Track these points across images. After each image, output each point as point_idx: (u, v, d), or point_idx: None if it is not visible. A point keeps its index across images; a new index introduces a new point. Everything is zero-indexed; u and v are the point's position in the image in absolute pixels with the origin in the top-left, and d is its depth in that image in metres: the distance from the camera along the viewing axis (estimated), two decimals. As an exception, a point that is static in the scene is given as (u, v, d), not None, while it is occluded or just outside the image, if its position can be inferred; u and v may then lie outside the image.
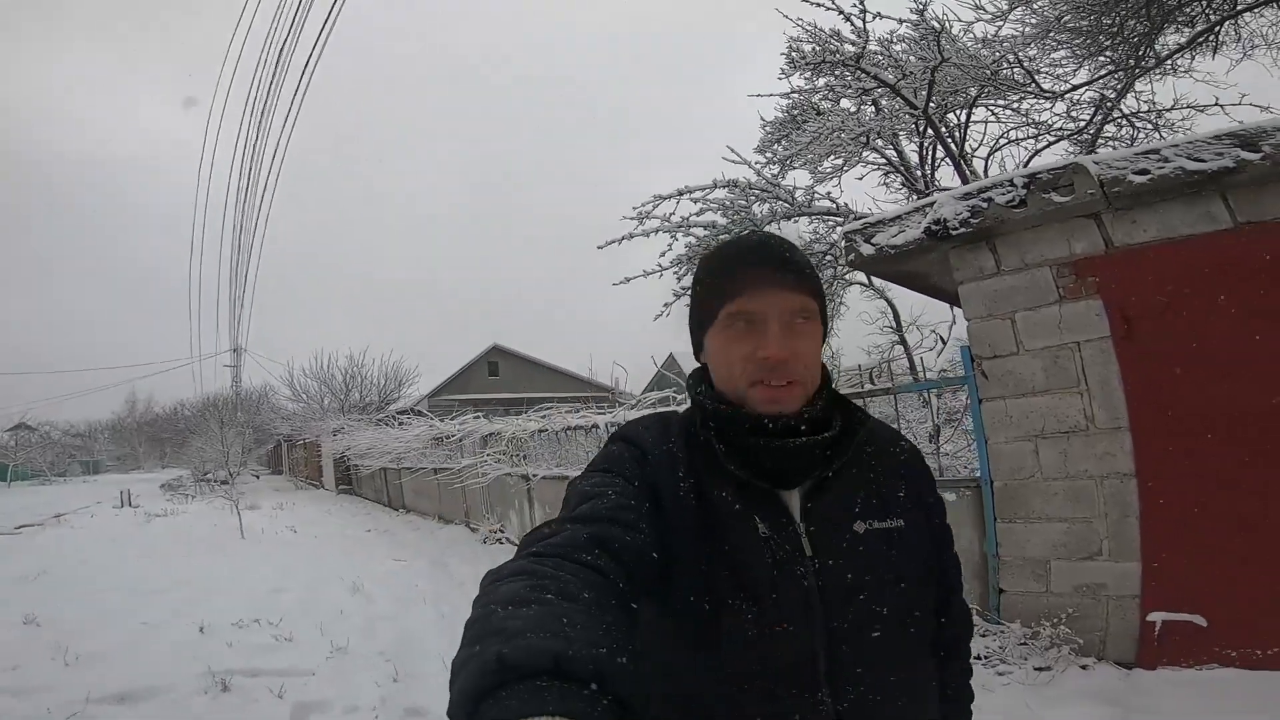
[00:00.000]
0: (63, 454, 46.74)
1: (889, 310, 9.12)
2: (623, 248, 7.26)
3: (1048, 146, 8.22)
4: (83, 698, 3.42)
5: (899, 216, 3.85)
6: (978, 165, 8.34)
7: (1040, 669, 3.04)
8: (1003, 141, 8.47)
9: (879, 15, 6.26)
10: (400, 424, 16.59)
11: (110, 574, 7.31)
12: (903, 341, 8.58)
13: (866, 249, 3.91)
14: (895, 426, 4.15)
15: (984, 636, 3.34)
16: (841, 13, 6.21)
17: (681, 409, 0.98)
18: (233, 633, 4.86)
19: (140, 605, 5.77)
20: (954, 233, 3.54)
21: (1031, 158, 8.22)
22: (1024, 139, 8.40)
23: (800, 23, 6.94)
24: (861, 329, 9.04)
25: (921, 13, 6.46)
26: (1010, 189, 3.45)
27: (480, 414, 13.01)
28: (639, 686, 0.51)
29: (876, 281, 9.23)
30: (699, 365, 0.93)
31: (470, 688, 0.47)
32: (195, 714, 3.46)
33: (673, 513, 0.78)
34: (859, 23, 6.40)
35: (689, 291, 0.93)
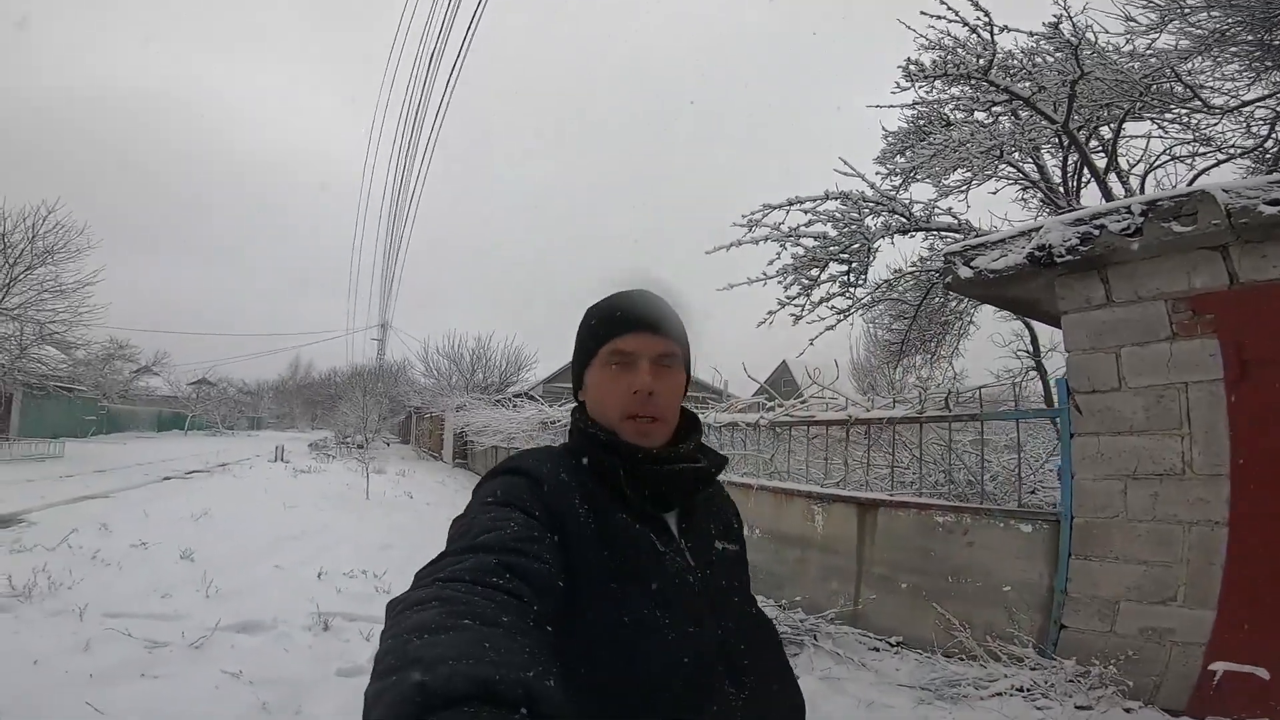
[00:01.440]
0: (233, 409, 53.40)
1: (1025, 333, 8.47)
2: (731, 254, 7.29)
3: (1216, 165, 7.27)
4: (212, 625, 4.04)
5: (1002, 240, 3.71)
6: (1135, 183, 7.55)
7: (1081, 708, 2.96)
8: (1165, 158, 7.61)
9: (1005, 28, 5.82)
10: (514, 406, 17.58)
11: (257, 520, 8.43)
12: (1039, 368, 7.92)
13: (965, 272, 3.80)
14: (981, 455, 3.91)
15: (1033, 670, 3.31)
16: (966, 24, 5.85)
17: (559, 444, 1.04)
18: (343, 580, 5.53)
19: (276, 550, 6.64)
20: (1059, 260, 3.39)
21: (1197, 176, 7.31)
22: (1188, 156, 7.49)
23: (929, 27, 6.60)
24: (994, 350, 8.39)
25: (1056, 25, 5.94)
26: (1126, 216, 3.25)
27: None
28: (567, 709, 0.50)
29: None
30: (578, 404, 1.02)
31: (390, 718, 0.45)
32: (298, 645, 4.02)
33: (575, 536, 0.82)
34: (985, 35, 6.01)
35: (577, 332, 1.02)
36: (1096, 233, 3.29)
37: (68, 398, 26.18)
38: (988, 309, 9.38)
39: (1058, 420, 3.75)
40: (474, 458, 20.55)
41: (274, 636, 4.12)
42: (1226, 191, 2.93)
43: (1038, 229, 3.54)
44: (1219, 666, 2.83)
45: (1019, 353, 8.44)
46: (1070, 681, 3.15)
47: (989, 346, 8.85)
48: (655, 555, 0.86)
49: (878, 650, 4.13)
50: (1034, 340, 8.22)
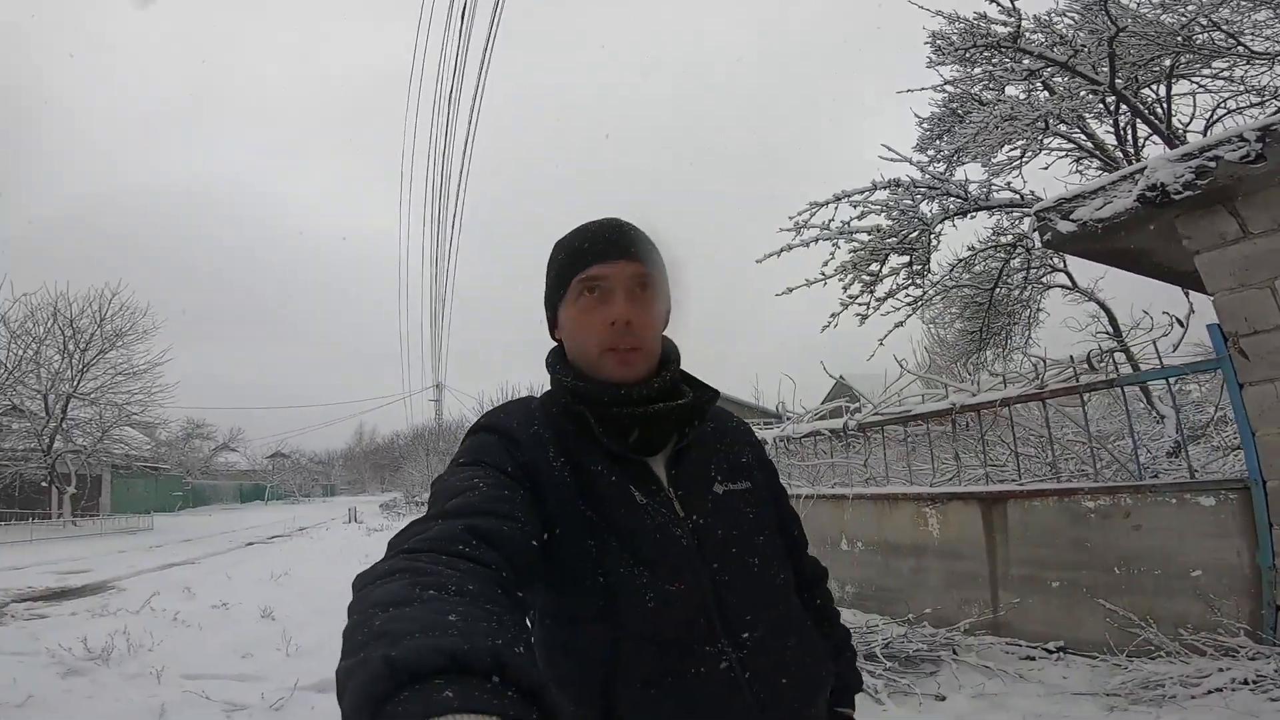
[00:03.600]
0: (308, 478, 55.30)
1: (1102, 314, 7.80)
2: (782, 260, 6.95)
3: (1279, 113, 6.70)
4: (291, 685, 3.78)
5: (1102, 188, 3.41)
6: (1193, 140, 6.98)
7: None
8: (1220, 112, 7.11)
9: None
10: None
11: (334, 578, 8.28)
12: (1123, 347, 7.32)
13: (1065, 226, 3.43)
14: (1129, 426, 3.40)
15: (1253, 659, 2.90)
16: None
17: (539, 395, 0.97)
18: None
19: (352, 604, 6.44)
20: (1176, 197, 3.07)
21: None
22: (1246, 108, 6.93)
23: (942, 12, 6.31)
24: (1069, 337, 7.81)
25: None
26: (1241, 145, 2.95)
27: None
28: (540, 675, 0.47)
29: (1083, 282, 8.04)
30: (555, 345, 0.95)
31: (361, 698, 0.42)
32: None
33: (551, 492, 0.79)
34: (1006, 1, 5.66)
35: (545, 274, 0.94)
36: (1213, 164, 2.99)
37: (153, 476, 27.44)
38: (1056, 293, 8.79)
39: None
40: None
41: (350, 692, 3.85)
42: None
43: (1140, 170, 3.27)
44: None
45: (1098, 334, 7.84)
46: (1300, 669, 2.60)
47: (1064, 333, 8.18)
48: (634, 507, 0.81)
49: (1033, 659, 3.60)
50: (1112, 320, 7.71)
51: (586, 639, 0.77)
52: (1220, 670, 2.84)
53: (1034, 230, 3.60)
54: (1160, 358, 3.38)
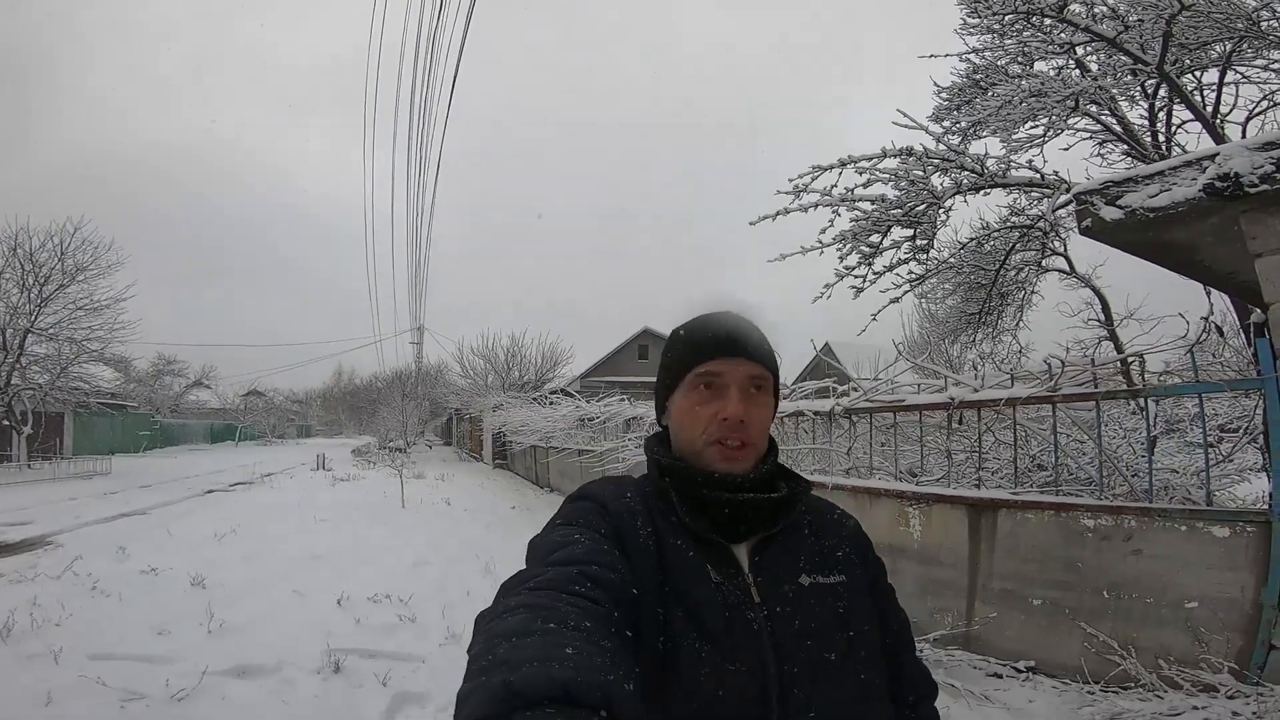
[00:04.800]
0: (283, 418, 54.54)
1: (1095, 301, 7.52)
2: (778, 224, 6.48)
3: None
4: (203, 670, 3.44)
5: (1161, 172, 2.93)
6: (1233, 132, 6.54)
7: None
8: (1265, 105, 6.67)
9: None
10: (551, 403, 16.97)
11: (285, 538, 7.91)
12: (1113, 337, 7.08)
13: (1110, 213, 2.99)
14: (1149, 443, 3.08)
15: (1231, 698, 2.77)
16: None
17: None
18: (366, 608, 4.90)
19: (297, 572, 6.07)
20: (1252, 190, 2.61)
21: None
22: None
23: None
24: (1060, 321, 7.56)
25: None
26: None
27: (625, 396, 12.85)
28: (644, 713, 0.51)
29: (1081, 267, 7.78)
30: (659, 430, 0.98)
31: (476, 717, 0.46)
32: (300, 694, 3.43)
33: (634, 558, 0.80)
34: None
35: (661, 356, 0.96)
36: (1299, 156, 2.55)
37: (118, 415, 26.73)
38: (1052, 277, 8.50)
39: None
40: (513, 458, 20.06)
41: (274, 684, 3.53)
42: None
43: (1209, 157, 2.83)
44: None
45: (1089, 321, 7.61)
46: (1280, 711, 2.41)
47: (1054, 317, 7.97)
48: (708, 584, 0.81)
49: (1000, 677, 3.42)
50: (1105, 308, 7.48)
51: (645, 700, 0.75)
52: (1195, 709, 2.67)
53: (1055, 214, 3.17)
54: (1196, 370, 3.01)
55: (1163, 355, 3.47)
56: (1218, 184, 2.61)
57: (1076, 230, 3.06)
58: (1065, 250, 7.81)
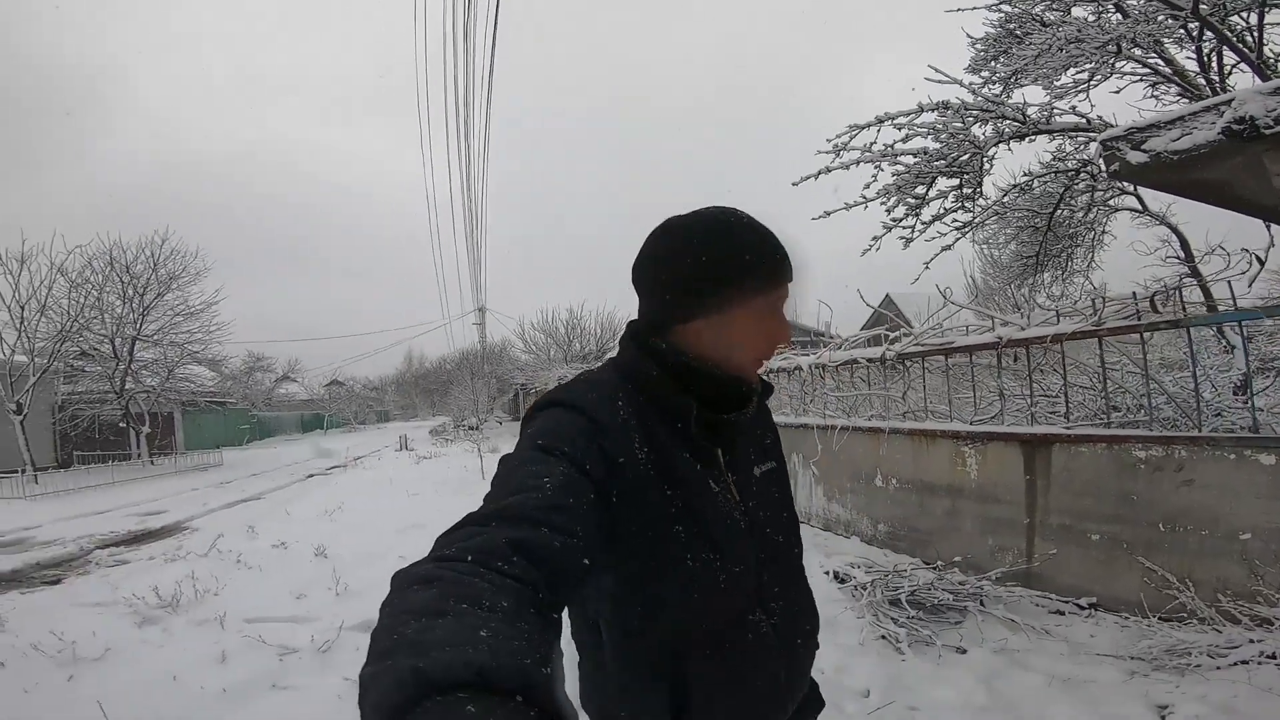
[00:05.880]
0: (363, 405, 57.54)
1: (1173, 237, 7.23)
2: (820, 183, 6.56)
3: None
4: (338, 626, 4.00)
5: (1181, 118, 2.97)
6: None
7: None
8: None
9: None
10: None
11: (385, 511, 8.69)
12: (1195, 274, 6.82)
13: (1136, 156, 3.05)
14: (1193, 372, 3.18)
15: None
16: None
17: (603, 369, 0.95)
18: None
19: (401, 541, 6.72)
20: (1267, 131, 2.63)
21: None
22: None
23: None
24: (1135, 261, 7.29)
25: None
26: None
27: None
28: (565, 701, 0.49)
29: (1154, 205, 7.50)
30: (652, 323, 0.91)
31: (384, 704, 0.44)
32: None
33: (634, 482, 0.80)
34: None
35: (694, 250, 0.86)
36: (1309, 100, 2.55)
37: (221, 411, 28.99)
38: (1124, 216, 8.21)
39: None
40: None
41: (396, 634, 4.05)
42: None
43: (1226, 102, 2.85)
44: None
45: (1168, 259, 7.32)
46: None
47: (1129, 256, 7.69)
48: (710, 496, 0.86)
49: (1062, 614, 3.53)
50: (1184, 245, 7.27)
51: (668, 617, 0.83)
52: (1251, 642, 2.71)
53: (1100, 158, 3.25)
54: (1234, 298, 3.04)
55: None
56: (1235, 127, 2.65)
57: (1105, 174, 3.11)
58: (1135, 189, 7.52)
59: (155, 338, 19.35)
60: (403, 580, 0.60)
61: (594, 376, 0.90)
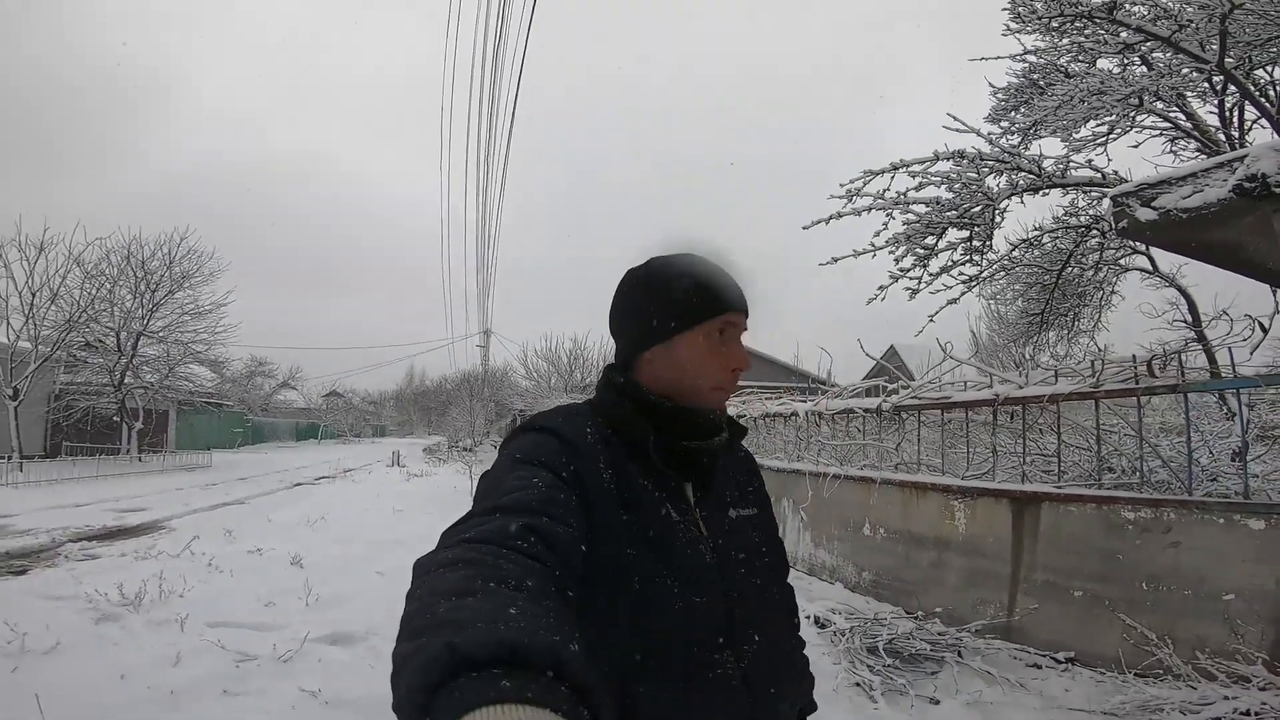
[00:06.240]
0: (359, 418, 57.38)
1: (1181, 300, 7.22)
2: (830, 228, 6.60)
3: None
4: (303, 636, 3.89)
5: (1193, 174, 2.98)
6: None
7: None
8: None
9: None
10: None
11: (368, 525, 8.58)
12: (1201, 339, 6.78)
13: (1145, 214, 3.05)
14: (1188, 437, 3.14)
15: (1263, 689, 2.77)
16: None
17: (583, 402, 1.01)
18: (439, 589, 5.32)
19: (380, 555, 6.61)
20: (1278, 190, 2.61)
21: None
22: None
23: None
24: (1142, 323, 7.27)
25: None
26: None
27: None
28: (593, 673, 0.49)
29: (1165, 266, 7.49)
30: (624, 364, 0.98)
31: (420, 682, 0.44)
32: (385, 660, 3.74)
33: (597, 500, 0.82)
34: None
35: (643, 288, 0.97)
36: (1322, 158, 2.55)
37: (216, 412, 28.91)
38: (1133, 277, 8.21)
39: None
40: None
41: (363, 650, 3.94)
42: None
43: (1239, 158, 2.85)
44: None
45: (1174, 323, 7.28)
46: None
47: (1136, 318, 7.68)
48: (670, 523, 0.87)
49: (1039, 667, 3.47)
50: (1193, 308, 7.23)
51: (616, 636, 0.80)
52: (1225, 699, 2.70)
53: (1110, 215, 3.24)
54: (1234, 365, 3.02)
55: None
56: (1246, 184, 2.64)
57: (1114, 231, 3.12)
58: (1147, 249, 7.55)
59: (161, 334, 19.43)
60: (427, 565, 0.61)
61: (568, 408, 0.95)
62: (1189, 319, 7.20)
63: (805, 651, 1.07)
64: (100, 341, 18.59)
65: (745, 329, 0.96)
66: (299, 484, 15.24)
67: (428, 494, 12.55)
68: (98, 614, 4.29)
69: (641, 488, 0.86)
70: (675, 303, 0.92)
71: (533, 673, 0.45)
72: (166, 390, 20.42)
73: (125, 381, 18.95)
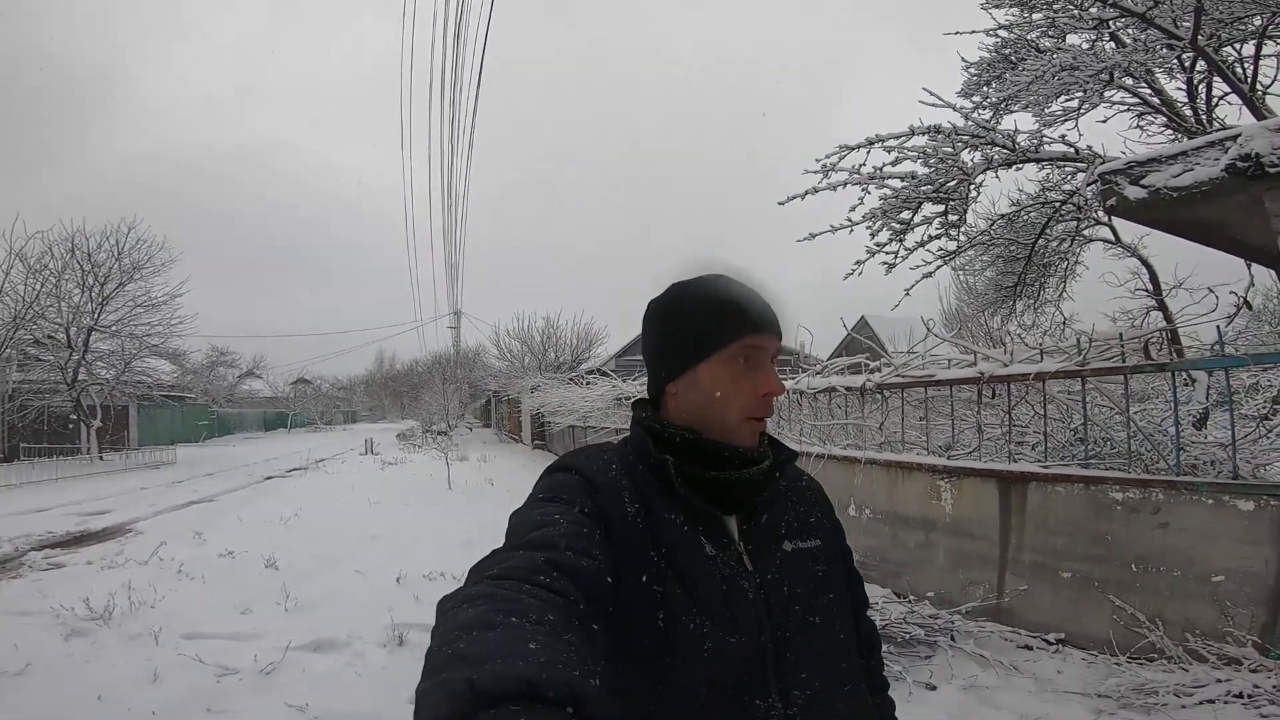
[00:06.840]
0: (330, 405, 56.35)
1: (1143, 270, 7.39)
2: (807, 203, 6.55)
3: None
4: (284, 646, 3.78)
5: (1184, 153, 3.00)
6: (1274, 104, 6.36)
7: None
8: None
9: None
10: (588, 383, 17.23)
11: (344, 520, 8.39)
12: (1162, 307, 6.93)
13: (1134, 192, 3.06)
14: (1175, 418, 3.16)
15: (1254, 672, 2.80)
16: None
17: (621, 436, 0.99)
18: (422, 585, 5.23)
19: (358, 552, 6.48)
20: (1272, 170, 2.66)
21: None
22: None
23: None
24: (1105, 292, 7.44)
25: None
26: None
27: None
28: (611, 709, 0.50)
29: (1126, 237, 7.66)
30: (651, 397, 0.95)
31: (440, 717, 0.45)
32: (370, 667, 3.71)
33: (622, 535, 0.79)
34: None
35: (662, 318, 0.93)
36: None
37: (179, 405, 28.04)
38: (1096, 247, 8.37)
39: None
40: (551, 439, 20.48)
41: (347, 657, 3.85)
42: None
43: (1231, 137, 2.86)
44: None
45: (1136, 291, 7.46)
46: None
47: (1100, 288, 7.85)
48: (703, 558, 0.81)
49: (1030, 649, 3.52)
50: (1154, 278, 7.41)
51: (640, 678, 0.76)
52: (1218, 681, 2.74)
53: (1090, 190, 3.22)
54: (1223, 343, 3.04)
55: (1209, 327, 3.48)
56: (1239, 164, 2.64)
57: (1101, 209, 3.11)
58: (1110, 220, 7.69)
59: (114, 328, 18.67)
60: (450, 602, 0.62)
61: (594, 447, 0.94)
62: (1150, 288, 7.39)
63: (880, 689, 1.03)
64: (50, 338, 17.80)
65: (776, 352, 0.89)
66: (269, 477, 14.88)
67: (404, 483, 12.36)
68: (66, 629, 4.13)
69: (669, 522, 0.82)
70: (692, 330, 0.89)
71: (551, 708, 0.46)
72: (124, 385, 19.66)
73: (79, 379, 18.21)
